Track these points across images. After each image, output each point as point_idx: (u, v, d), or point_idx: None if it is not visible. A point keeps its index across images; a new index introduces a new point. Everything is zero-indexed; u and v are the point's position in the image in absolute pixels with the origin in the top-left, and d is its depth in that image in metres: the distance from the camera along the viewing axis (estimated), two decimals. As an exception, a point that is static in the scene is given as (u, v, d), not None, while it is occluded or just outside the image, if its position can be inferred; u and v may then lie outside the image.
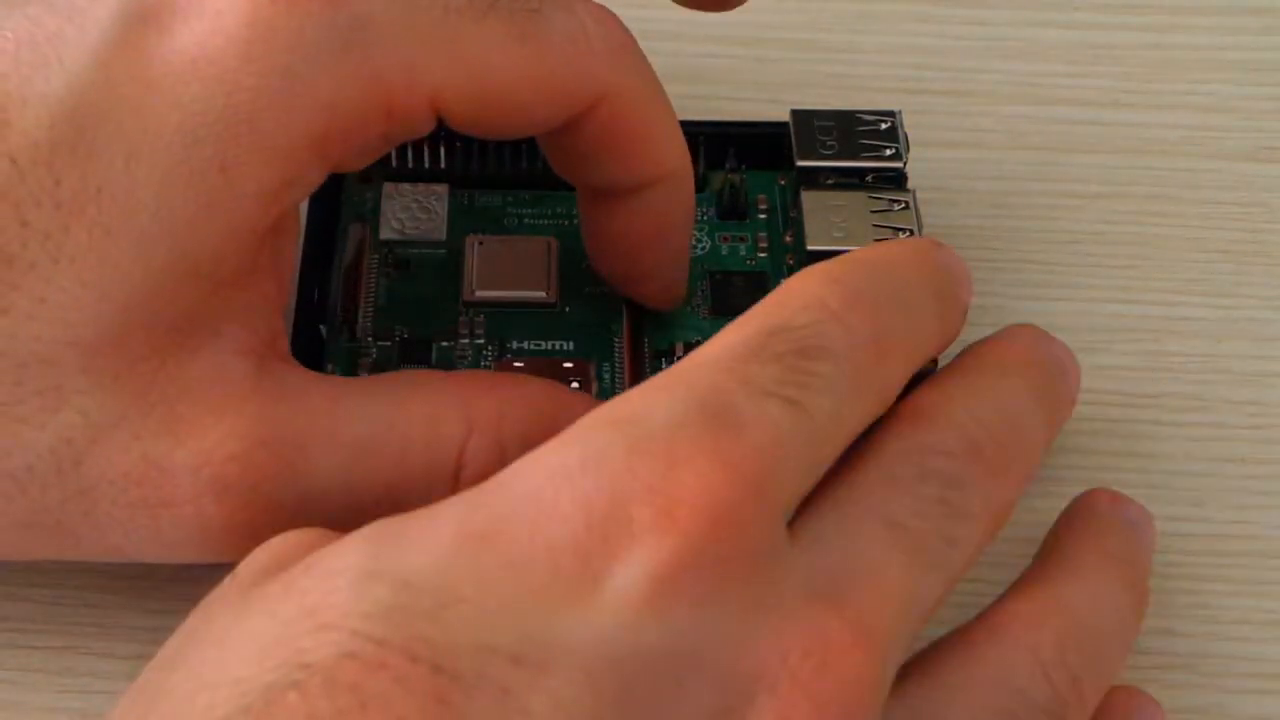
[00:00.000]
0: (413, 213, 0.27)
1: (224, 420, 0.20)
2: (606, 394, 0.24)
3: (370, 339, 0.25)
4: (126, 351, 0.20)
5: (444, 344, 0.25)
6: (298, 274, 0.25)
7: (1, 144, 0.19)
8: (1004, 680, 0.19)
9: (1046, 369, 0.22)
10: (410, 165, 0.27)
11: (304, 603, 0.16)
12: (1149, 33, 0.33)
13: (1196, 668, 0.23)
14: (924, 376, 0.21)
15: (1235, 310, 0.28)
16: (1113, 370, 0.27)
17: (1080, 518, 0.22)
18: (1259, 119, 0.31)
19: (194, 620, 0.17)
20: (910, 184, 0.27)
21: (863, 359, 0.19)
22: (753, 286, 0.26)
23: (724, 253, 0.27)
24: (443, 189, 0.27)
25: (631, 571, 0.16)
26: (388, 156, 0.27)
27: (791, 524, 0.18)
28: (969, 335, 0.26)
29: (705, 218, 0.27)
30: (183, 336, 0.20)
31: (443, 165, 0.27)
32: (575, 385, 0.24)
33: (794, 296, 0.19)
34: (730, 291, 0.26)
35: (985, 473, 0.20)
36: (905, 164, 0.26)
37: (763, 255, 0.26)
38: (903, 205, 0.26)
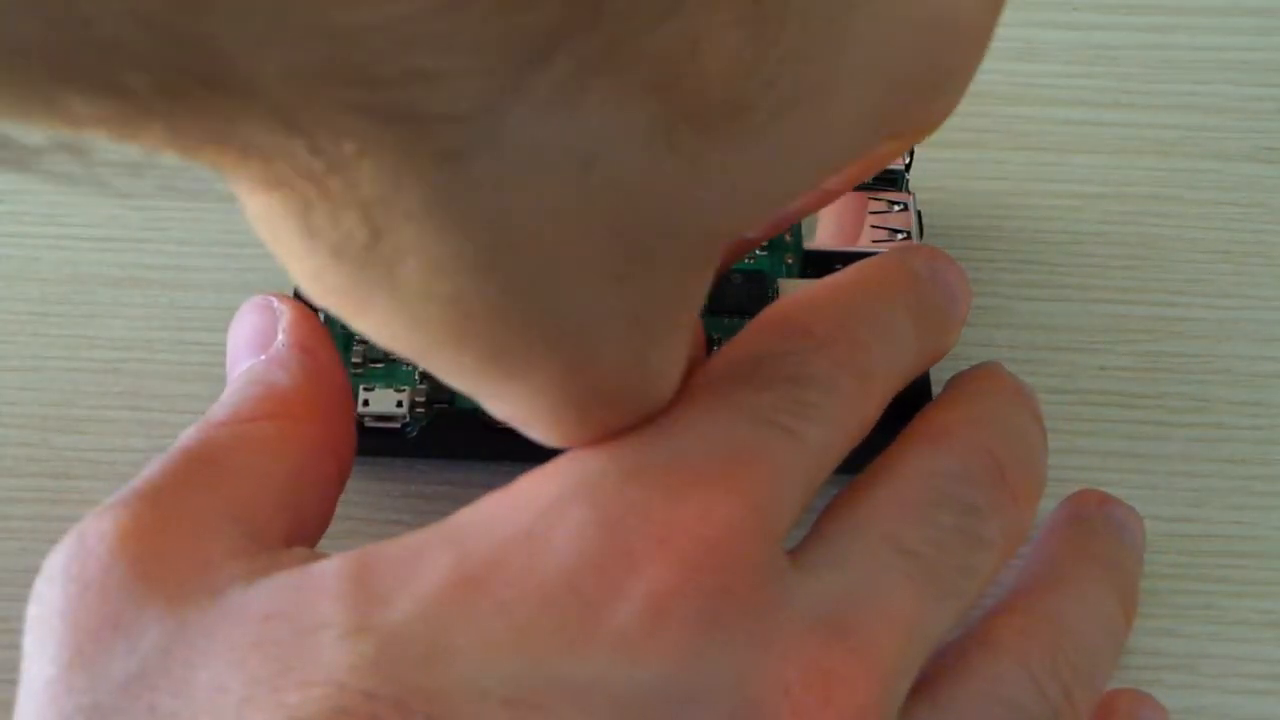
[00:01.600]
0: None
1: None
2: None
3: None
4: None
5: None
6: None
7: None
8: (997, 694, 0.19)
9: (1033, 399, 0.22)
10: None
11: (281, 657, 0.15)
12: (1149, 33, 0.32)
13: (1196, 668, 0.23)
14: (920, 385, 0.21)
15: (1235, 310, 0.28)
16: (1113, 370, 0.27)
17: (1068, 522, 0.22)
18: (1259, 119, 0.31)
19: (94, 637, 0.16)
20: (910, 185, 0.27)
21: (848, 387, 0.19)
22: (751, 285, 0.26)
23: (724, 253, 0.27)
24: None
25: (630, 605, 0.16)
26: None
27: (798, 548, 0.18)
28: (969, 335, 0.26)
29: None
30: None
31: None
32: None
33: (778, 324, 0.19)
34: (729, 290, 0.26)
35: (1007, 498, 0.19)
36: (909, 167, 0.26)
37: (761, 254, 0.26)
38: (901, 207, 0.26)
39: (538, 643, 0.15)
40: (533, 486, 0.17)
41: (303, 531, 0.19)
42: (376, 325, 0.15)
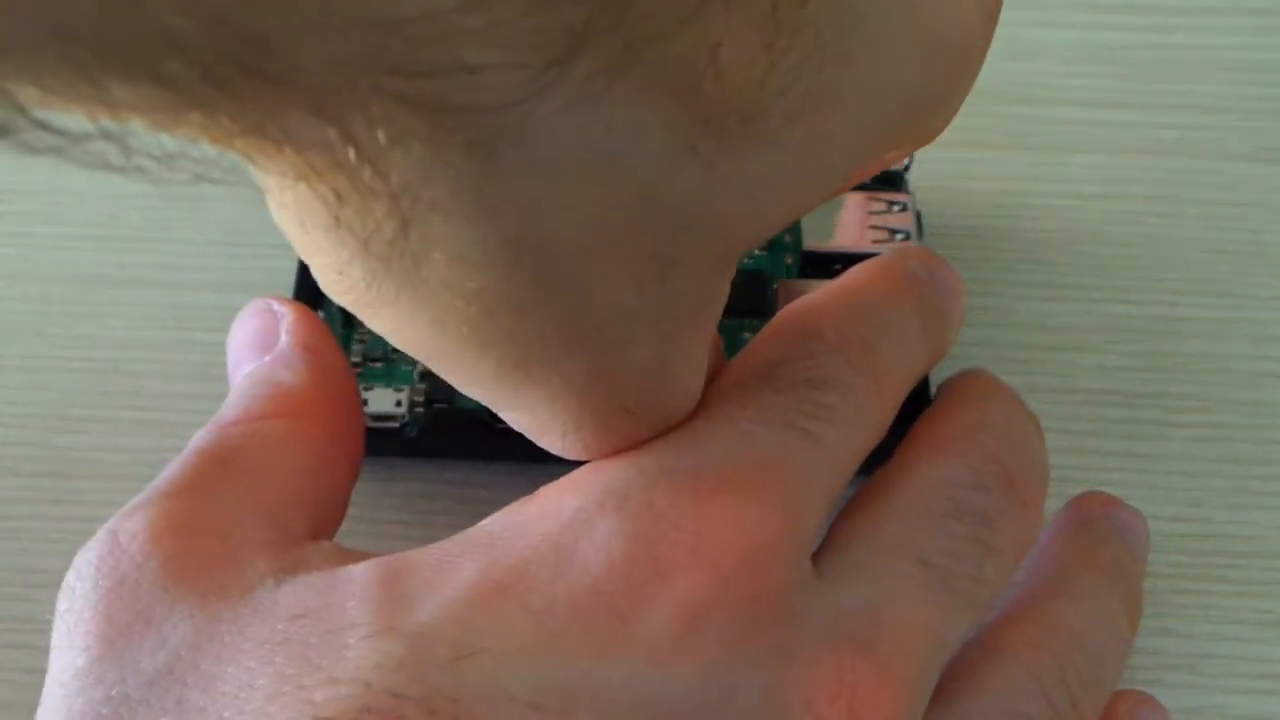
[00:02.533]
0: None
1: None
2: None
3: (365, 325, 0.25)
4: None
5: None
6: (300, 262, 0.25)
7: None
8: (1006, 705, 0.19)
9: (1025, 404, 0.22)
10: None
11: (308, 656, 0.15)
12: (1149, 33, 0.32)
13: (1196, 668, 0.23)
14: (919, 386, 0.21)
15: (1235, 310, 0.28)
16: (1113, 370, 0.27)
17: (1074, 526, 0.22)
18: (1259, 119, 0.31)
19: (125, 631, 0.16)
20: (910, 185, 0.26)
21: (862, 388, 0.19)
22: (752, 284, 0.26)
23: (724, 253, 0.27)
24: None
25: (661, 614, 0.16)
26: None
27: (816, 557, 0.18)
28: (969, 335, 0.26)
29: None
30: None
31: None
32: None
33: (789, 329, 0.19)
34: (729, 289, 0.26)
35: (1016, 506, 0.19)
36: (908, 167, 0.26)
37: (761, 254, 0.26)
38: (900, 207, 0.26)
39: (566, 648, 0.15)
40: (558, 495, 0.17)
41: (320, 526, 0.19)
42: (399, 324, 0.15)
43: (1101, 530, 0.22)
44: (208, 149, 0.12)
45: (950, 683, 0.19)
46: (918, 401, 0.21)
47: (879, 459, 0.20)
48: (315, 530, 0.19)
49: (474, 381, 0.16)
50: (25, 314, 0.27)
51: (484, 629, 0.15)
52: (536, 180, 0.13)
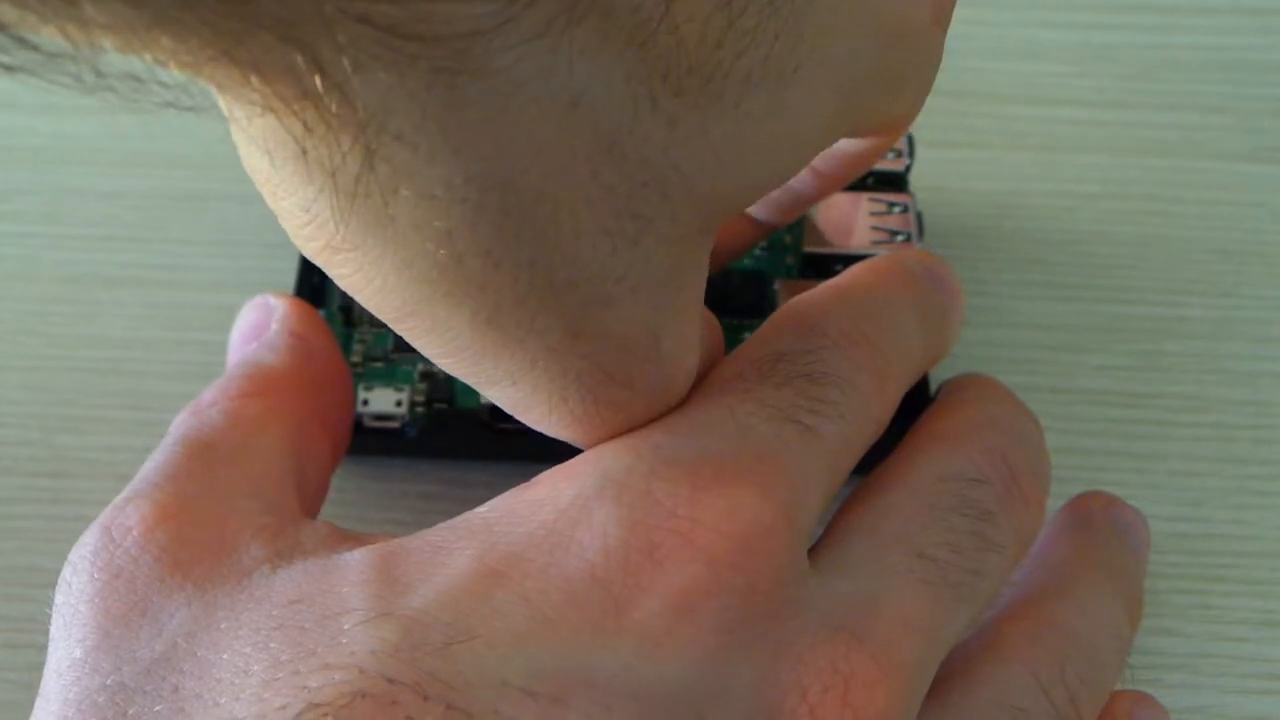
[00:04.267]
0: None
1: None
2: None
3: (366, 324, 0.25)
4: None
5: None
6: (300, 262, 0.25)
7: None
8: (1005, 701, 0.19)
9: (1025, 406, 0.22)
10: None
11: (303, 641, 0.15)
12: (1149, 33, 0.32)
13: (1196, 668, 0.23)
14: (919, 385, 0.21)
15: (1234, 310, 0.28)
16: (1113, 370, 0.27)
17: (1074, 526, 0.22)
18: (1259, 119, 0.31)
19: (121, 621, 0.17)
20: (911, 186, 0.26)
21: (864, 385, 0.19)
22: (752, 285, 0.26)
23: (724, 253, 0.27)
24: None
25: (655, 601, 0.16)
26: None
27: (815, 550, 0.18)
28: (969, 335, 0.26)
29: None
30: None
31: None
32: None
33: (793, 323, 0.19)
34: (729, 290, 0.26)
35: (1018, 501, 0.20)
36: (910, 169, 0.26)
37: (761, 254, 0.26)
38: (901, 208, 0.26)
39: (560, 635, 0.15)
40: (556, 482, 0.17)
41: (306, 504, 0.19)
42: (369, 274, 0.15)
43: (1102, 529, 0.22)
44: (177, 75, 0.12)
45: (948, 678, 0.19)
46: (919, 401, 0.21)
47: (877, 457, 0.20)
48: (302, 506, 0.19)
49: (450, 345, 0.16)
50: (25, 314, 0.27)
51: (479, 615, 0.15)
52: (499, 115, 0.13)
